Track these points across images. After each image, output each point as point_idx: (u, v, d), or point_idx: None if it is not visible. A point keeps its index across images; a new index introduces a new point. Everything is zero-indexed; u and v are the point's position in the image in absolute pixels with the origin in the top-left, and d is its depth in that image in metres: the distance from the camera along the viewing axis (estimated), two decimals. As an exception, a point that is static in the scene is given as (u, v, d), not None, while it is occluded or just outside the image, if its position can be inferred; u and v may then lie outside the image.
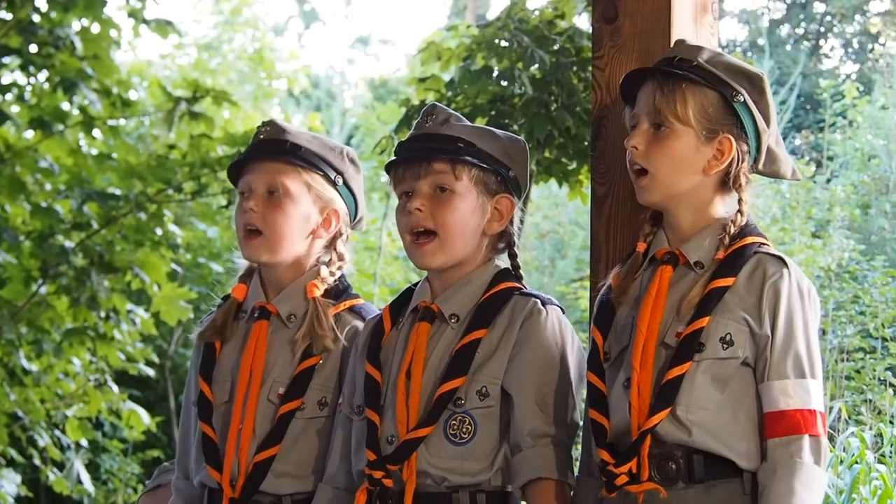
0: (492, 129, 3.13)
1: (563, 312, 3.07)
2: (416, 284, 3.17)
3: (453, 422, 2.95)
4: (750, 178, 2.91)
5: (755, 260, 2.83)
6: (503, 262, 3.15)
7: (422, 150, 3.06)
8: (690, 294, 2.82)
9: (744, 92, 2.87)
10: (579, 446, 3.08)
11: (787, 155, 2.99)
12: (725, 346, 2.78)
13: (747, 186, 2.89)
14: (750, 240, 2.85)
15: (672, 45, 3.05)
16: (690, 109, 2.85)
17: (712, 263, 2.84)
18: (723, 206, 2.91)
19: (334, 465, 3.14)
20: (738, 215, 2.87)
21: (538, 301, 3.03)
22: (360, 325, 3.25)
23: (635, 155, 2.88)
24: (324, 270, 3.30)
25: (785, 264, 2.82)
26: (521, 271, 3.16)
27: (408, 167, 3.07)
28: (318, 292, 3.26)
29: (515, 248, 3.16)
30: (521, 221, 3.19)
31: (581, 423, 3.03)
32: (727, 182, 2.89)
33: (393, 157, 3.12)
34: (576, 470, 3.00)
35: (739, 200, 2.88)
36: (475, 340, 2.98)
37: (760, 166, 2.93)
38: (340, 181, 3.30)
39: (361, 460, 3.03)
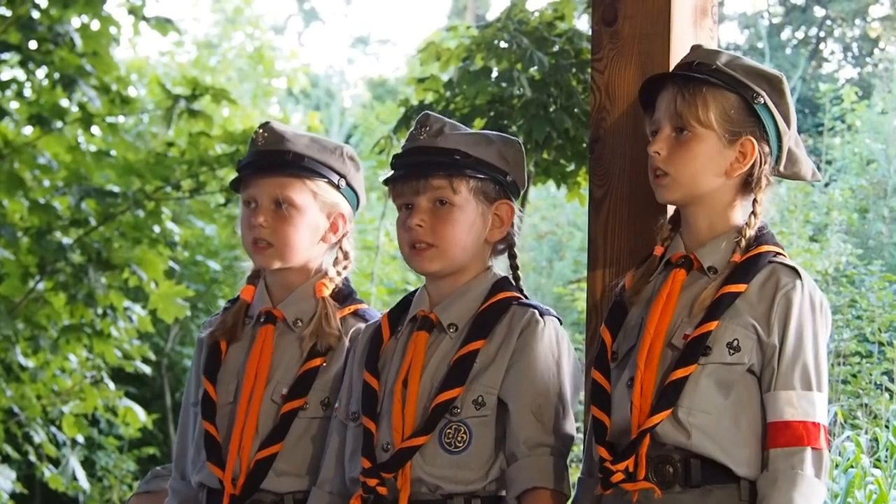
0: (486, 133, 3.12)
1: (561, 323, 3.07)
2: (414, 292, 3.17)
3: (448, 430, 2.95)
4: (771, 180, 2.91)
5: (769, 269, 2.83)
6: (502, 264, 3.15)
7: (418, 165, 3.05)
8: (702, 296, 2.82)
9: (764, 94, 2.87)
10: (576, 448, 3.08)
11: (807, 156, 2.98)
12: (732, 351, 2.78)
13: (767, 189, 2.89)
14: (766, 248, 2.85)
15: (689, 50, 3.04)
16: (712, 112, 2.84)
17: (726, 267, 2.84)
18: (742, 210, 2.91)
19: (329, 469, 3.13)
20: (753, 217, 2.87)
21: (536, 312, 3.02)
22: (363, 327, 3.25)
23: (657, 160, 2.87)
24: (331, 270, 3.31)
25: (799, 275, 2.82)
26: (519, 272, 3.16)
27: (406, 182, 3.05)
28: (327, 292, 3.27)
29: (515, 250, 3.16)
30: (520, 220, 3.19)
31: (575, 435, 3.03)
32: (749, 184, 2.88)
33: (390, 172, 3.11)
34: (573, 476, 3.00)
35: (754, 202, 2.88)
36: (473, 351, 2.98)
37: (781, 168, 2.93)
38: (344, 183, 3.30)
39: (356, 467, 3.02)
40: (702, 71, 2.88)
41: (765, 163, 2.88)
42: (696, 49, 2.99)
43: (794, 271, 2.83)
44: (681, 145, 2.86)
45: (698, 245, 2.89)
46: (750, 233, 2.85)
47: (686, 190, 2.87)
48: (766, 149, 2.88)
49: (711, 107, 2.85)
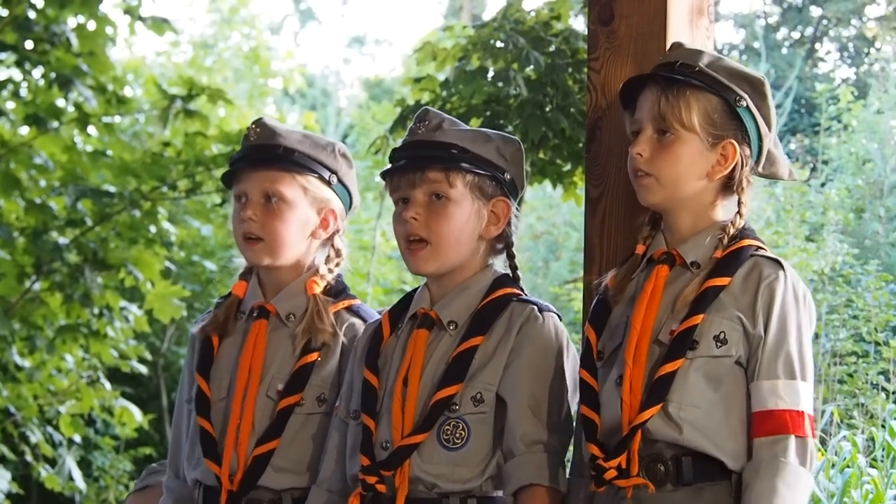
0: (485, 130, 3.12)
1: (560, 319, 3.07)
2: (415, 290, 3.17)
3: (446, 427, 2.95)
4: (751, 181, 2.92)
5: (752, 262, 2.84)
6: (501, 263, 3.16)
7: (415, 158, 3.06)
8: (686, 291, 2.82)
9: (746, 97, 2.88)
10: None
11: (784, 156, 3.00)
12: (719, 344, 2.78)
13: (748, 189, 2.90)
14: (747, 242, 2.86)
15: (668, 48, 3.04)
16: (695, 116, 2.85)
17: (709, 263, 2.84)
18: (722, 210, 2.92)
19: (329, 468, 3.14)
20: (738, 217, 2.88)
21: (535, 307, 3.03)
22: (357, 322, 3.27)
23: (639, 162, 2.87)
24: (322, 268, 3.32)
25: (781, 267, 2.83)
26: (518, 272, 3.16)
27: (402, 175, 3.06)
28: (318, 289, 3.28)
29: (513, 249, 3.16)
30: (517, 219, 3.19)
31: (573, 433, 3.03)
32: (729, 185, 2.90)
33: (388, 165, 3.11)
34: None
35: (739, 202, 2.89)
36: (472, 348, 2.98)
37: (760, 168, 2.94)
38: (335, 180, 3.31)
39: (356, 465, 3.03)
40: (685, 72, 2.88)
41: (745, 165, 2.89)
42: (676, 48, 2.98)
43: (777, 263, 2.84)
44: (663, 147, 2.86)
45: (680, 241, 2.90)
46: (733, 230, 2.86)
47: (668, 192, 2.87)
48: (747, 151, 2.90)
49: (695, 110, 2.85)
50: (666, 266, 2.88)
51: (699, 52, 2.93)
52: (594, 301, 3.01)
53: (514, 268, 3.16)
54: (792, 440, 2.73)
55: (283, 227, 3.24)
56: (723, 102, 2.87)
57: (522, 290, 3.12)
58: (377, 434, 3.00)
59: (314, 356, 3.23)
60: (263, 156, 3.26)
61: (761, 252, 2.86)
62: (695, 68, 2.88)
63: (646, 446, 2.78)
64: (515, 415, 2.94)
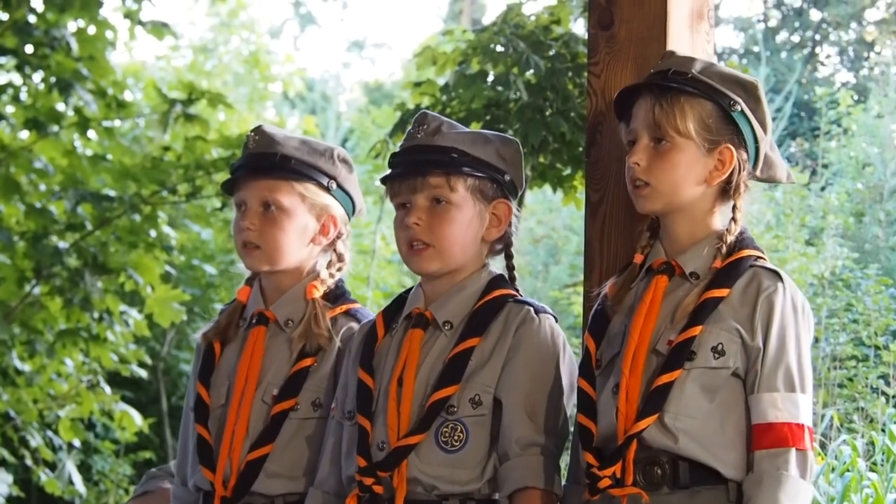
0: (484, 132, 3.12)
1: (557, 321, 3.07)
2: (409, 290, 3.17)
3: (445, 429, 2.95)
4: (749, 185, 2.92)
5: (751, 273, 2.84)
6: (498, 263, 3.15)
7: (416, 163, 3.06)
8: (685, 302, 2.83)
9: (740, 101, 2.88)
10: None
11: (782, 159, 3.00)
12: (717, 355, 2.79)
13: (745, 194, 2.91)
14: (746, 253, 2.86)
15: (661, 56, 3.04)
16: (690, 122, 2.85)
17: (708, 273, 2.85)
18: (721, 217, 2.92)
19: (325, 469, 3.14)
20: (733, 223, 2.88)
21: (532, 309, 3.03)
22: (356, 327, 3.27)
23: (637, 171, 2.88)
24: (323, 272, 3.33)
25: (780, 278, 2.84)
26: (514, 273, 3.17)
27: (403, 180, 3.06)
28: (318, 293, 3.29)
29: (512, 250, 3.17)
30: (517, 221, 3.19)
31: (569, 435, 3.03)
32: (727, 191, 2.90)
33: (388, 170, 3.11)
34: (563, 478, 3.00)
35: (734, 208, 2.89)
36: (469, 348, 2.98)
37: (758, 172, 2.94)
38: (334, 185, 3.31)
39: (351, 466, 3.03)
40: (678, 80, 2.89)
41: (743, 169, 2.90)
42: (669, 55, 2.99)
43: (776, 274, 2.85)
44: (660, 155, 2.87)
45: (679, 251, 2.90)
46: (731, 238, 2.87)
47: (667, 199, 2.88)
48: (744, 155, 2.90)
49: (689, 116, 2.86)
50: (665, 276, 2.89)
51: (691, 59, 2.94)
52: (593, 310, 3.01)
53: (510, 268, 3.16)
54: (793, 453, 2.74)
55: (280, 235, 3.25)
56: (717, 108, 2.88)
57: (518, 290, 3.12)
58: (373, 435, 3.00)
59: (310, 361, 3.23)
60: (261, 164, 3.27)
61: (760, 263, 2.87)
62: (687, 75, 2.89)
63: (641, 451, 2.79)
64: (511, 417, 2.94)
